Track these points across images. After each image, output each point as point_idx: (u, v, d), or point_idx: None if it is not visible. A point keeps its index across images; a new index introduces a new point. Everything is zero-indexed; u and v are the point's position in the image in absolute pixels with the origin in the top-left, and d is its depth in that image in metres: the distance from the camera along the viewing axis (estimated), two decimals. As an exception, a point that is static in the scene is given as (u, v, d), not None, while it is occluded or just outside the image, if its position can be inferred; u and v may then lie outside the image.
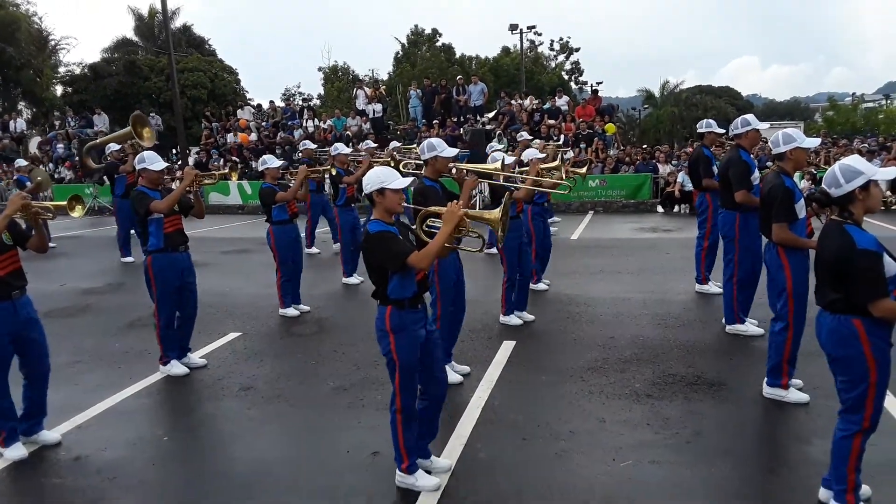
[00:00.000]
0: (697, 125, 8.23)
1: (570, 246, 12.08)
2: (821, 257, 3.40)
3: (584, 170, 8.53)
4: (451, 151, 5.23)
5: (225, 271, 10.67)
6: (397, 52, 45.71)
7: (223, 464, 4.38)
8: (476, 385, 5.36)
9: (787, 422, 4.63)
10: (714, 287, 7.86)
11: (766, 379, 4.96)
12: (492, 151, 7.16)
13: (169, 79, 27.83)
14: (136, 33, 42.84)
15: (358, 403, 5.15)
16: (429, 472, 3.92)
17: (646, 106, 51.29)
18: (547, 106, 21.61)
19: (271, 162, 7.79)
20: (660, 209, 16.79)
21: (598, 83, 23.48)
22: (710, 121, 8.08)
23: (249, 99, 38.36)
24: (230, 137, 23.69)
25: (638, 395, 5.08)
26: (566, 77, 46.20)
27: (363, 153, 11.17)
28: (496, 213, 3.74)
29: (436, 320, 5.26)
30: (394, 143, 13.21)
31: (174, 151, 25.54)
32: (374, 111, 22.37)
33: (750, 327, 6.35)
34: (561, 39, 46.99)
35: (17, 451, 4.44)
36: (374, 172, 3.73)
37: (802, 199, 4.77)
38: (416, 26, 45.59)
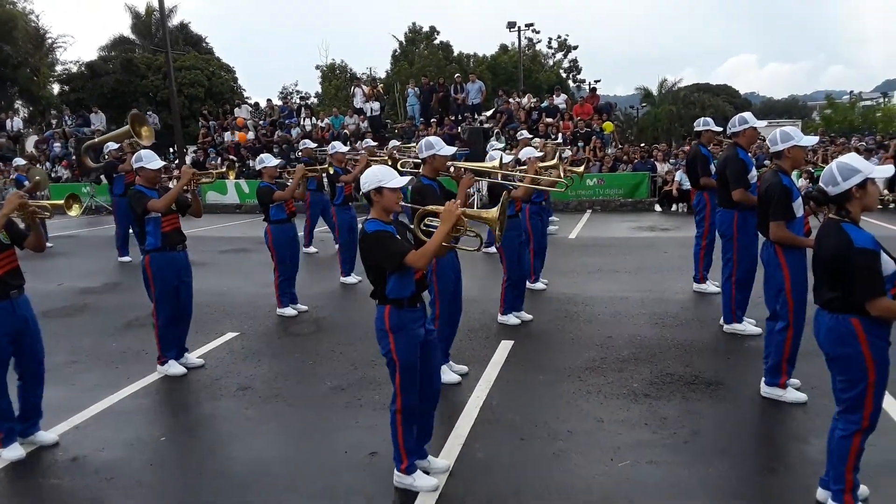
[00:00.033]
0: (695, 123, 8.23)
1: (568, 245, 12.08)
2: (818, 256, 3.40)
3: (581, 168, 8.53)
4: (449, 150, 5.22)
5: (222, 271, 10.66)
6: (395, 50, 45.72)
7: (221, 464, 4.37)
8: (474, 385, 5.36)
9: (785, 421, 4.64)
10: (712, 286, 7.87)
11: (763, 378, 4.97)
12: (492, 150, 7.15)
13: (166, 77, 27.82)
14: (133, 31, 42.76)
15: (356, 403, 5.15)
16: (427, 473, 3.92)
17: (644, 104, 51.32)
18: (545, 104, 21.61)
19: (269, 161, 7.77)
20: (658, 208, 16.80)
21: (596, 81, 23.75)
22: (708, 119, 8.08)
23: (247, 97, 38.28)
24: (227, 136, 23.67)
25: (636, 394, 5.09)
26: (564, 75, 46.26)
27: (363, 152, 11.16)
28: (494, 212, 3.73)
29: (435, 320, 5.27)
30: (393, 142, 13.20)
31: (171, 150, 25.48)
32: (371, 109, 22.35)
33: (748, 326, 6.36)
34: (559, 37, 47.10)
35: (15, 451, 4.42)
36: (372, 171, 3.72)
37: (800, 198, 4.76)
38: (413, 24, 45.62)
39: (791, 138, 4.79)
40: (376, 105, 22.54)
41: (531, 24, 40.99)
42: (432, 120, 21.12)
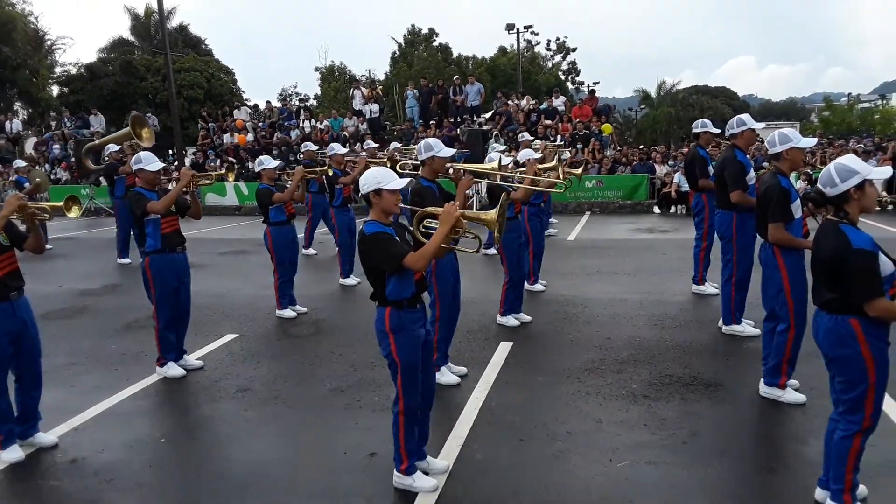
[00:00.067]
0: (693, 125, 8.24)
1: (566, 247, 12.09)
2: (816, 257, 3.41)
3: (580, 170, 8.54)
4: (448, 151, 5.23)
5: (222, 272, 10.66)
6: (394, 52, 45.79)
7: (220, 465, 4.37)
8: (473, 386, 5.37)
9: (784, 422, 4.65)
10: (710, 288, 7.88)
11: (763, 378, 4.98)
12: (494, 152, 7.16)
13: (165, 79, 27.81)
14: (133, 33, 42.82)
15: (355, 405, 5.15)
16: (426, 474, 3.92)
17: (642, 106, 51.43)
18: (544, 106, 21.63)
19: (268, 163, 7.78)
20: (656, 210, 16.82)
21: (595, 83, 23.64)
22: (706, 121, 8.09)
23: (246, 99, 38.35)
24: (227, 138, 23.68)
25: (635, 395, 5.09)
26: (563, 77, 46.30)
27: (363, 153, 11.17)
28: (492, 214, 3.73)
29: (435, 322, 5.27)
30: (395, 144, 13.20)
31: (171, 152, 25.50)
32: (370, 111, 22.37)
33: (746, 328, 6.36)
34: (558, 39, 47.16)
35: (14, 453, 4.42)
36: (371, 173, 3.72)
37: (798, 199, 4.77)
38: (412, 26, 45.70)
39: (790, 140, 4.80)
40: (375, 107, 22.56)
41: (530, 27, 41.09)
42: (431, 122, 21.13)
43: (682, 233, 12.36)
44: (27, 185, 12.78)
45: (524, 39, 42.33)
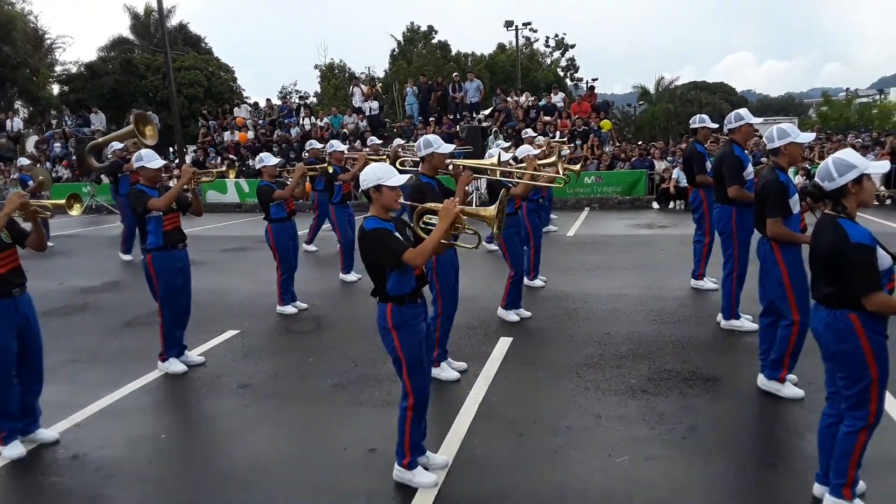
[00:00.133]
0: (691, 121, 8.25)
1: (566, 242, 12.10)
2: (815, 251, 3.41)
3: (578, 167, 8.55)
4: (448, 148, 5.25)
5: (223, 269, 10.67)
6: (393, 50, 45.76)
7: (221, 461, 4.40)
8: (473, 381, 5.38)
9: (783, 417, 4.66)
10: (709, 283, 7.89)
11: (762, 371, 4.99)
12: (498, 148, 7.17)
13: (165, 77, 27.81)
14: (133, 32, 42.80)
15: (356, 400, 5.17)
16: (426, 469, 3.94)
17: (641, 102, 51.39)
18: (543, 102, 21.64)
19: (268, 160, 7.79)
20: (655, 205, 16.83)
21: (594, 80, 23.69)
22: (704, 116, 8.10)
23: (246, 97, 38.37)
24: (227, 135, 23.68)
25: (634, 390, 5.11)
26: (562, 74, 46.27)
27: (366, 149, 11.19)
28: (492, 210, 3.75)
29: (437, 318, 5.29)
30: (398, 140, 13.20)
31: (171, 150, 25.53)
32: (370, 109, 22.37)
33: (745, 323, 6.38)
34: (556, 36, 47.10)
35: (16, 449, 4.45)
36: (371, 169, 3.73)
37: (797, 194, 4.78)
38: (412, 24, 45.66)
39: (788, 135, 4.80)
40: (375, 104, 22.57)
41: (529, 23, 40.95)
42: (431, 119, 21.14)
43: (681, 228, 12.38)
44: (31, 182, 12.79)
45: (523, 36, 42.29)
